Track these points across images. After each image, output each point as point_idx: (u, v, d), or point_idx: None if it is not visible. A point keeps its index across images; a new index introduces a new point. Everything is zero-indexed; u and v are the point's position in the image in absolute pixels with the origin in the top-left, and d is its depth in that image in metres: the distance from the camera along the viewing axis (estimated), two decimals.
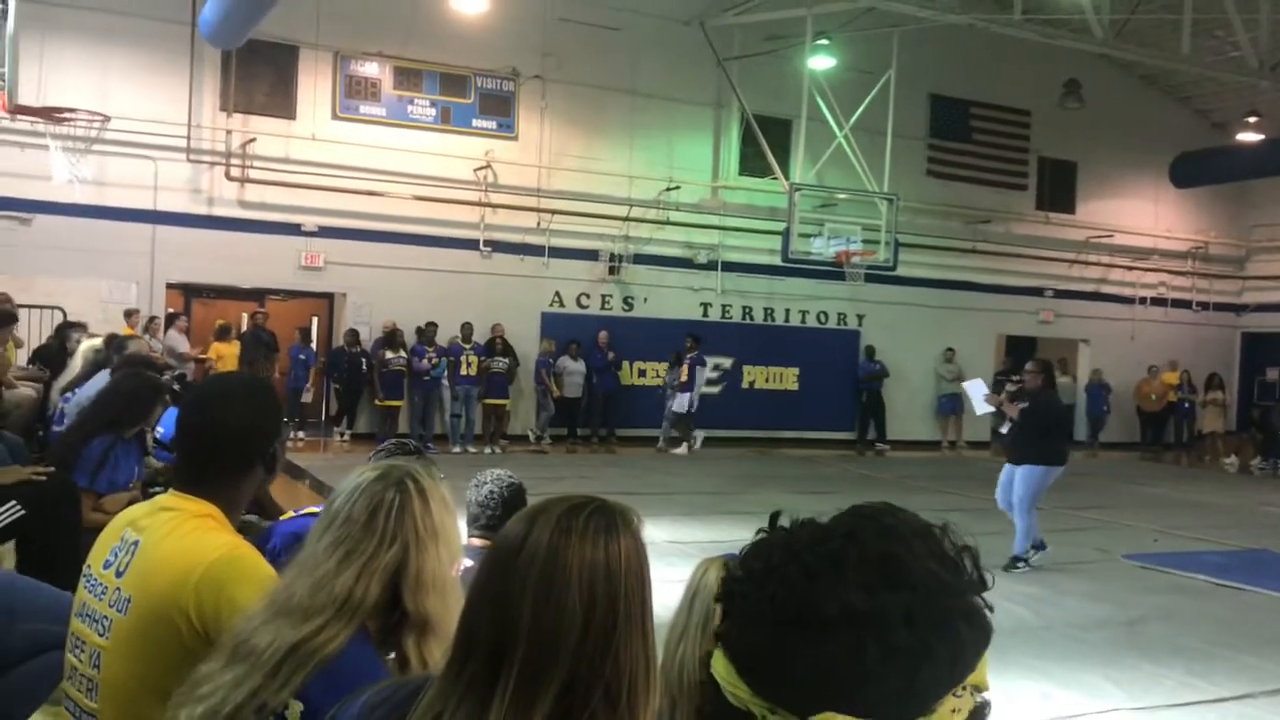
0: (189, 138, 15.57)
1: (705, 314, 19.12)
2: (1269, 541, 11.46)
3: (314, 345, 17.41)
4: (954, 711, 0.91)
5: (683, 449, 17.40)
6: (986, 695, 0.96)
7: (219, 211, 15.87)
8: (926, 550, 0.94)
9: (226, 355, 15.12)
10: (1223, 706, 6.04)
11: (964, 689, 0.94)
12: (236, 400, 2.26)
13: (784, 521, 1.00)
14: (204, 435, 2.23)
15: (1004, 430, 10.25)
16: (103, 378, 6.33)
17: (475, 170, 17.14)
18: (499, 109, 17.54)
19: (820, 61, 17.54)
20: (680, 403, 17.51)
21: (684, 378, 17.48)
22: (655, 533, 9.35)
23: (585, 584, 1.27)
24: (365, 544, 1.73)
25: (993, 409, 10.53)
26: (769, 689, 0.90)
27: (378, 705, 1.40)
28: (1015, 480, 9.56)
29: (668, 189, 18.29)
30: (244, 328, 16.46)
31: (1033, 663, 6.56)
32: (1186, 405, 21.70)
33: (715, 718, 0.95)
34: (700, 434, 17.88)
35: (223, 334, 15.63)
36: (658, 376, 18.56)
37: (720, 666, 0.94)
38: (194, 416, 2.31)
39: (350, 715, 1.43)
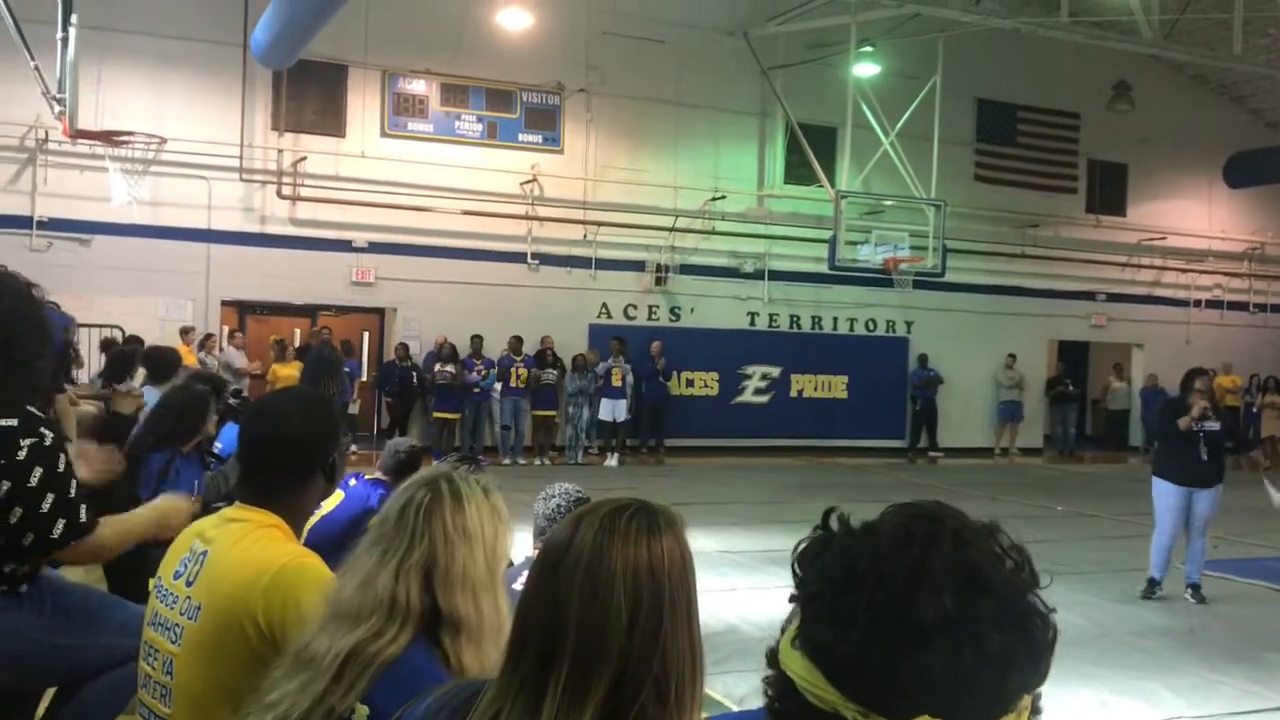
0: (241, 158, 15.85)
1: (753, 323, 19.11)
2: None
3: (359, 359, 17.54)
4: (1024, 709, 0.93)
5: (614, 459, 16.70)
6: (1039, 689, 0.98)
7: (271, 229, 16.14)
8: (993, 553, 0.96)
9: (284, 377, 15.05)
10: None
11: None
12: (294, 414, 2.33)
13: (834, 519, 1.01)
14: (265, 449, 2.30)
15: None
16: (154, 394, 6.45)
17: (521, 184, 17.28)
18: (544, 123, 17.67)
19: (864, 68, 17.47)
20: (611, 410, 16.90)
21: (616, 382, 16.92)
22: (706, 542, 9.34)
23: (629, 582, 1.30)
24: (397, 542, 1.77)
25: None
26: (863, 693, 0.90)
27: (441, 708, 1.43)
28: (1207, 503, 8.75)
29: (713, 199, 18.31)
30: (299, 343, 16.56)
31: (1091, 670, 6.49)
32: (1256, 410, 21.23)
33: (793, 716, 0.95)
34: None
35: (280, 353, 15.58)
36: (705, 387, 18.53)
37: (798, 666, 0.93)
38: (255, 431, 2.38)
39: (415, 718, 1.46)
